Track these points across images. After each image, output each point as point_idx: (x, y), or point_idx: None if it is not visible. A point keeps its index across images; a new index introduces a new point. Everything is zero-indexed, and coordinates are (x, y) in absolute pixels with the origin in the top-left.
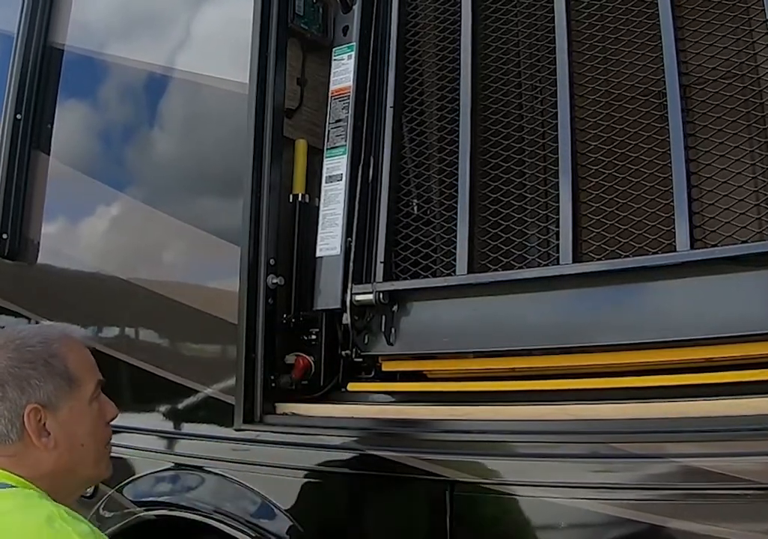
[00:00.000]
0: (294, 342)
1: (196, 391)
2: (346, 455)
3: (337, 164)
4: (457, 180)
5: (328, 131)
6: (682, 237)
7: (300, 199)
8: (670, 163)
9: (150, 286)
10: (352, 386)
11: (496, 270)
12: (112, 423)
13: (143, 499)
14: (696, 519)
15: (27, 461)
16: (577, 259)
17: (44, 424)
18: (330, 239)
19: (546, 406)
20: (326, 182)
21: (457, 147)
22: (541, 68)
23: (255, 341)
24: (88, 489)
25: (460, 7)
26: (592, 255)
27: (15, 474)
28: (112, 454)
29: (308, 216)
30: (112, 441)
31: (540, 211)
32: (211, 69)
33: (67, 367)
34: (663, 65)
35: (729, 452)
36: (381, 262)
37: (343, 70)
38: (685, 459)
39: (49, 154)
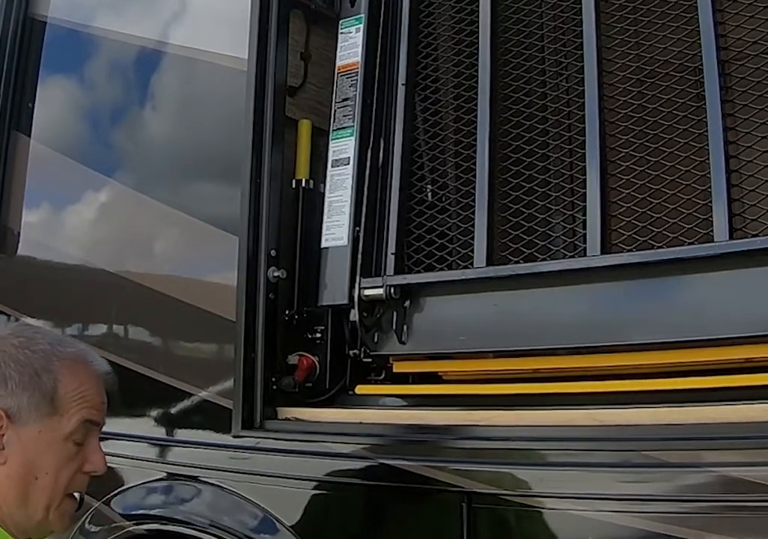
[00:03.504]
0: (297, 340)
1: (191, 394)
2: (354, 464)
3: (344, 147)
4: (474, 164)
5: (335, 111)
6: (721, 226)
7: (304, 184)
8: (707, 145)
9: (140, 280)
10: (360, 389)
11: (517, 262)
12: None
13: (133, 512)
14: (735, 534)
15: None
16: (606, 250)
17: (2, 435)
18: (336, 228)
19: (571, 411)
20: (332, 166)
21: (475, 128)
22: (567, 42)
23: (255, 340)
24: None
25: None
26: (623, 246)
27: None
28: None
29: (313, 203)
30: None
31: (565, 198)
32: (206, 43)
33: (56, 389)
34: (699, 39)
35: None
36: (392, 254)
37: (351, 44)
38: (724, 469)
39: (29, 136)
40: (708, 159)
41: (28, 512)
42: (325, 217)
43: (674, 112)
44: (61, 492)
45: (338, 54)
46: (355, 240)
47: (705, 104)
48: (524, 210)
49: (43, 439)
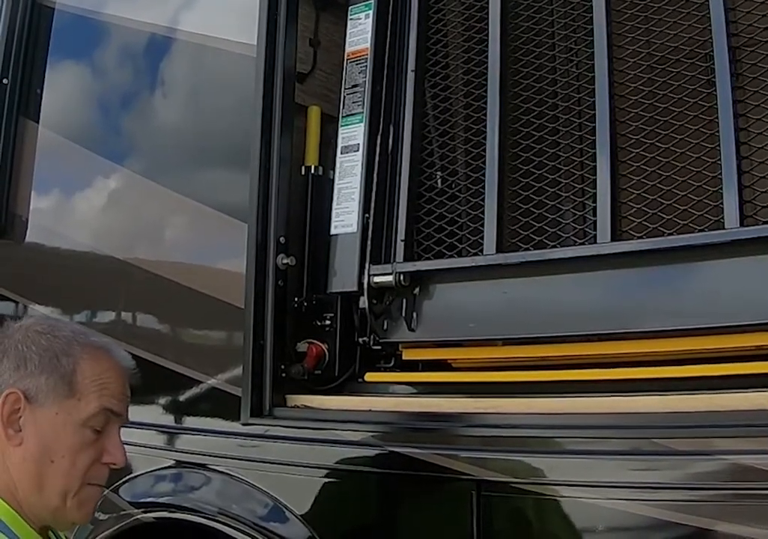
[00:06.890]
0: (306, 328)
1: (200, 382)
2: (363, 452)
3: (353, 133)
4: (484, 151)
5: (344, 97)
6: (731, 213)
7: (313, 171)
8: (718, 132)
9: (149, 267)
10: (369, 376)
11: (527, 249)
12: None
13: (141, 500)
14: (746, 522)
15: None
16: (616, 237)
17: (19, 416)
18: (346, 215)
19: (581, 398)
20: (342, 153)
21: (485, 114)
22: (577, 28)
23: (264, 327)
24: None
25: None
26: (633, 233)
27: None
28: None
29: (322, 190)
30: None
31: (575, 185)
32: (215, 29)
33: (75, 372)
34: (710, 25)
35: None
36: (401, 241)
37: (360, 31)
38: (734, 456)
39: (38, 123)
40: (719, 145)
41: (44, 497)
42: (334, 204)
43: (685, 98)
44: (78, 478)
45: (347, 40)
46: (364, 226)
47: (716, 91)
48: (534, 197)
49: (60, 421)
